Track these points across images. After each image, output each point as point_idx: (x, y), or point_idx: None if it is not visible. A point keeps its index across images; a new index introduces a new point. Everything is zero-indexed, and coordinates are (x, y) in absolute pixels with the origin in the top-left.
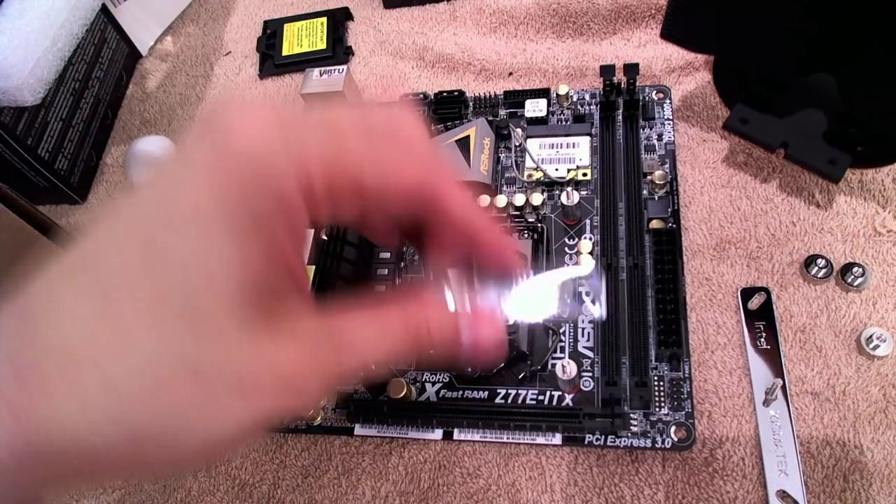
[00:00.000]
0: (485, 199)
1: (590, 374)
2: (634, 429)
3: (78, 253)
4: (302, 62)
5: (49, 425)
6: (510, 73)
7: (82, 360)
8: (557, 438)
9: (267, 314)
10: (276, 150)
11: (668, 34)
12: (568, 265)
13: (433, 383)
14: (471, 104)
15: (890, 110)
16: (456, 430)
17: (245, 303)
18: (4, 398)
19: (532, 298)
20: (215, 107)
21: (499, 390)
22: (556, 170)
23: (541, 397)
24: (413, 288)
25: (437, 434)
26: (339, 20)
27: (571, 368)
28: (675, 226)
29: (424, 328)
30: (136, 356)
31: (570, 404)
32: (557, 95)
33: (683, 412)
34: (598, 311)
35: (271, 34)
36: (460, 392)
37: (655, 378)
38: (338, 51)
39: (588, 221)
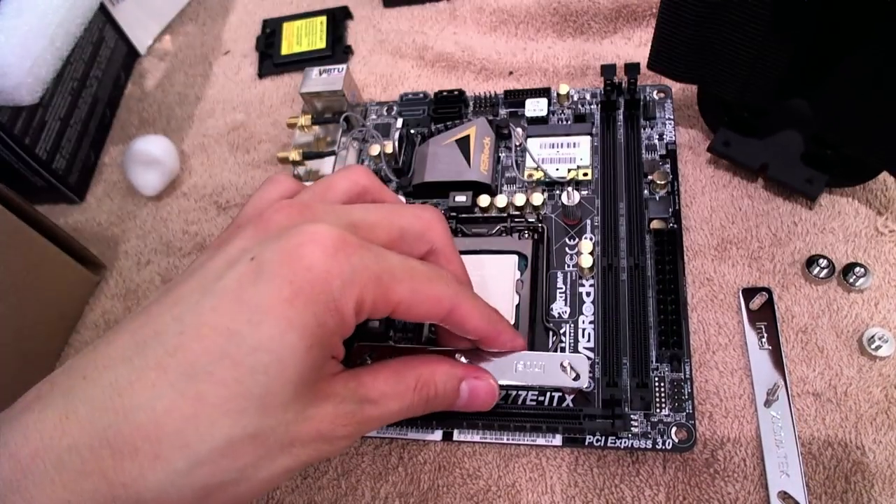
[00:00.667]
0: (485, 199)
1: (590, 374)
2: (635, 430)
3: (152, 329)
4: (301, 61)
5: (137, 489)
6: (510, 73)
7: (169, 435)
8: (558, 439)
9: (313, 386)
10: (340, 274)
11: (654, 65)
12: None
13: None
14: (471, 104)
15: (857, 134)
16: (456, 431)
17: (301, 383)
18: (100, 470)
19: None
20: (289, 220)
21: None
22: (557, 169)
23: (541, 398)
24: (425, 351)
25: (437, 435)
26: (338, 19)
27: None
28: (675, 226)
29: (433, 386)
30: (215, 430)
31: (571, 405)
32: (558, 95)
33: (684, 413)
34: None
35: (270, 33)
36: None
37: (656, 379)
38: (337, 50)
39: (589, 221)
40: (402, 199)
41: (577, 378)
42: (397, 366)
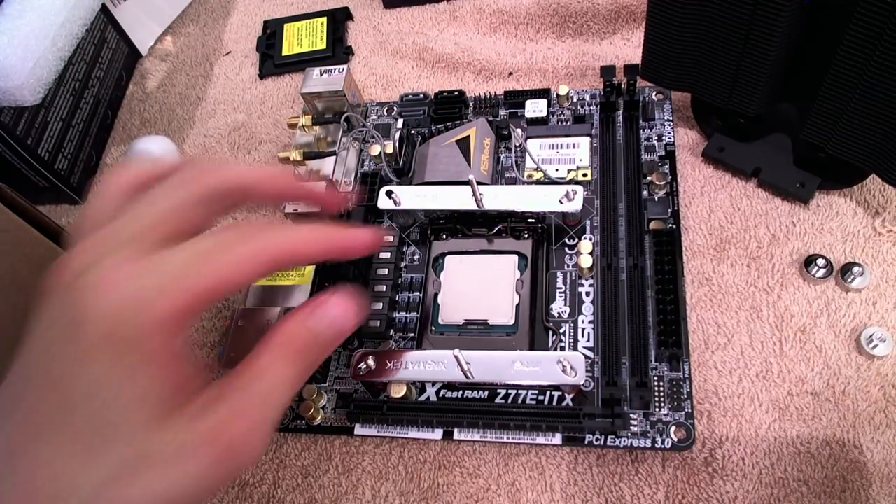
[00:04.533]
0: None
1: (590, 374)
2: (634, 429)
3: (6, 395)
4: (302, 62)
5: None
6: (510, 73)
7: (48, 484)
8: (557, 438)
9: (173, 404)
10: (132, 302)
11: (646, 74)
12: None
13: (433, 383)
14: (471, 104)
15: (842, 137)
16: (456, 430)
17: (151, 406)
18: None
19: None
20: (65, 270)
21: (499, 390)
22: (557, 170)
23: (541, 397)
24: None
25: (437, 434)
26: (339, 20)
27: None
28: (674, 226)
29: (303, 328)
30: (90, 471)
31: (570, 404)
32: (558, 96)
33: (683, 412)
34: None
35: (271, 34)
36: (460, 392)
37: (655, 378)
38: (338, 51)
39: (588, 222)
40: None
41: (574, 376)
42: (259, 346)
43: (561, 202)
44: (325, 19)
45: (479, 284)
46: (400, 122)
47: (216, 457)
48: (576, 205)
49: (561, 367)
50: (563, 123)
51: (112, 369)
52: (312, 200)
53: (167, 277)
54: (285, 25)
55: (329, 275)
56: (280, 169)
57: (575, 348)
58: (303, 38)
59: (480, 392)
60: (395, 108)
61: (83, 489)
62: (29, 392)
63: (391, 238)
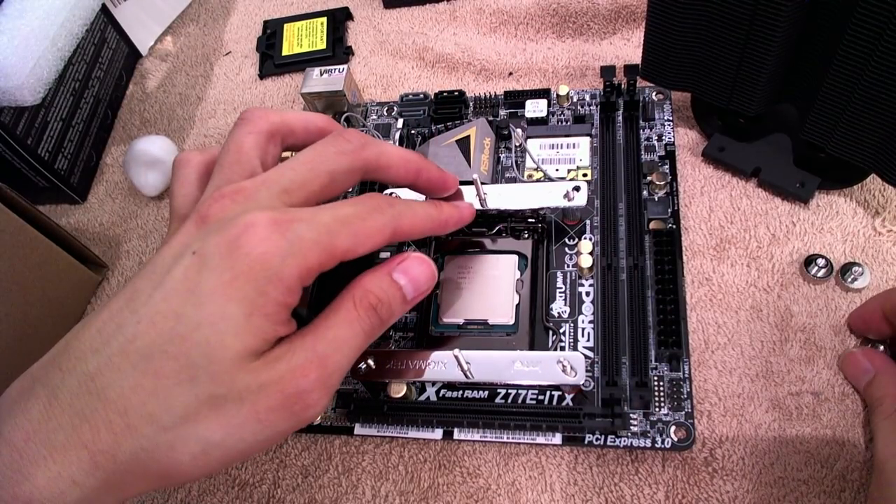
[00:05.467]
0: None
1: (590, 374)
2: (634, 429)
3: (114, 323)
4: (302, 62)
5: (114, 454)
6: (510, 73)
7: (136, 407)
8: (557, 438)
9: (266, 353)
10: (278, 252)
11: (646, 74)
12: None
13: (433, 383)
14: (471, 104)
15: (841, 137)
16: (456, 430)
17: (246, 350)
18: (82, 442)
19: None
20: (212, 210)
21: (499, 390)
22: (557, 170)
23: (541, 397)
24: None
25: (437, 434)
26: (339, 20)
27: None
28: (674, 226)
29: (370, 294)
30: (172, 400)
31: (570, 404)
32: (558, 96)
33: (683, 412)
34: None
35: (271, 34)
36: (460, 392)
37: (655, 378)
38: (338, 51)
39: (588, 222)
40: (319, 116)
41: (574, 376)
42: (334, 302)
43: (566, 198)
44: (325, 19)
45: (479, 284)
46: (400, 122)
47: (281, 402)
48: (581, 199)
49: (561, 366)
50: (563, 123)
51: (229, 310)
52: (444, 188)
53: (310, 235)
54: (285, 25)
55: (329, 272)
56: (416, 154)
57: (575, 348)
58: (303, 38)
59: (480, 392)
60: (396, 108)
61: (165, 418)
62: (143, 315)
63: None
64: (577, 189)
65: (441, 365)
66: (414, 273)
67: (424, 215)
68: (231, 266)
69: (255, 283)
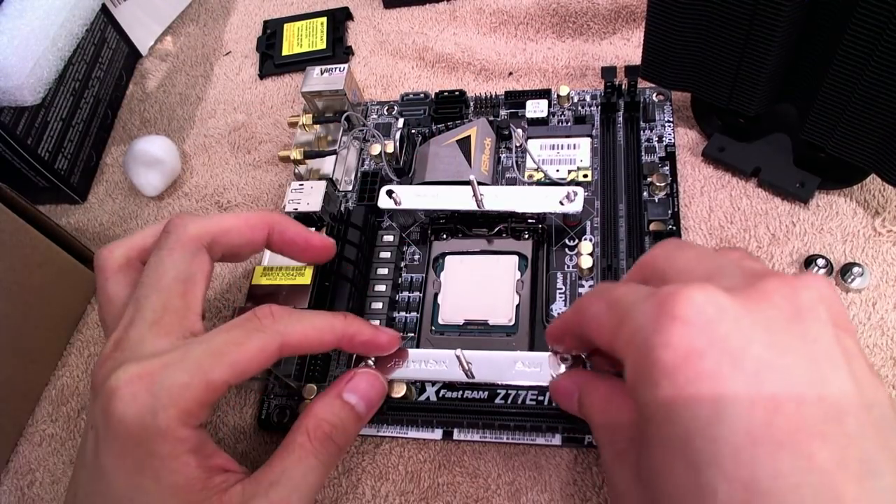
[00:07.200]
0: None
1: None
2: None
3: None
4: (302, 62)
5: None
6: (510, 73)
7: None
8: (557, 439)
9: (203, 495)
10: (149, 408)
11: (646, 74)
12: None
13: (433, 383)
14: (471, 104)
15: (841, 137)
16: (456, 430)
17: (182, 501)
18: None
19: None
20: (97, 376)
21: (499, 391)
22: (557, 171)
23: (541, 398)
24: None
25: (437, 434)
26: (338, 20)
27: None
28: (675, 228)
29: (323, 423)
30: None
31: None
32: (558, 96)
33: None
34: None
35: (271, 34)
36: (460, 392)
37: None
38: (338, 51)
39: (588, 223)
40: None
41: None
42: (287, 437)
43: (561, 203)
44: (325, 19)
45: (480, 284)
46: (400, 122)
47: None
48: (576, 206)
49: (564, 195)
50: (564, 124)
51: (139, 475)
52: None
53: (181, 379)
54: (285, 25)
55: (329, 273)
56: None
57: None
58: (303, 38)
59: (480, 392)
60: (396, 108)
61: None
62: (80, 499)
63: (403, 340)
64: (573, 194)
65: (442, 364)
66: (363, 389)
67: (321, 326)
68: (115, 436)
69: (143, 446)
